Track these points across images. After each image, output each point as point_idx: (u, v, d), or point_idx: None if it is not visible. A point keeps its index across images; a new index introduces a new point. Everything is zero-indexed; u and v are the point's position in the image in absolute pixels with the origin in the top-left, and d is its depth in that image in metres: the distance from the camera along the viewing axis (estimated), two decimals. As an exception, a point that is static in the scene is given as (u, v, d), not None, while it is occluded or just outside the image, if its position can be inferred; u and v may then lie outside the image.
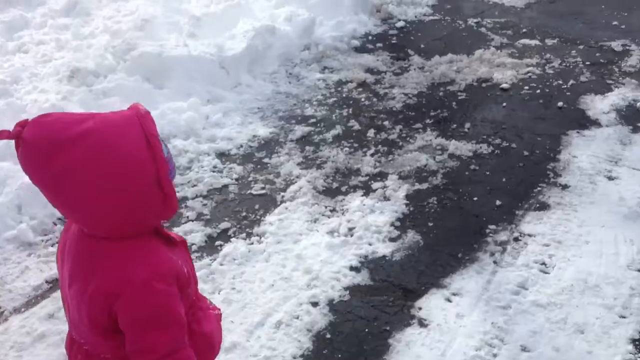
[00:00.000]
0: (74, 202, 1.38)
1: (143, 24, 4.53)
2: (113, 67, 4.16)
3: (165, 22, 4.68)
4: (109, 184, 1.35)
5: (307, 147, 3.75)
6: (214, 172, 3.49)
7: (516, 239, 3.01)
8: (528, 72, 4.61)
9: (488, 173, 3.55)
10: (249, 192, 3.35)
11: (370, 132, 3.95)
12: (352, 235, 3.00)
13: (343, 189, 3.39)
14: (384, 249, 2.93)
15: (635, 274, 2.77)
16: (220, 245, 2.93)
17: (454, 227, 3.10)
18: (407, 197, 3.32)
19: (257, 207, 3.22)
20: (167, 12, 4.81)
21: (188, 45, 4.41)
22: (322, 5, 5.18)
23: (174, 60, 4.22)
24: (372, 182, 3.46)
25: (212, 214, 3.16)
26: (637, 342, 2.45)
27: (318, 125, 4.01)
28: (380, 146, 3.82)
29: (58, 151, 1.32)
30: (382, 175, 3.53)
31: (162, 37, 4.49)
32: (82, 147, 1.33)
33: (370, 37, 5.28)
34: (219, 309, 1.76)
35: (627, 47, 4.90)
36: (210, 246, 2.94)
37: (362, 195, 3.31)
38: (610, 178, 3.44)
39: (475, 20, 5.57)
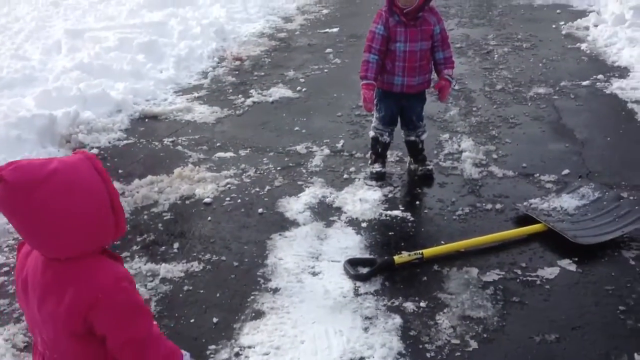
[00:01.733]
0: (47, 230, 1.70)
1: None
2: None
3: None
4: (76, 212, 1.71)
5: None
6: None
7: (237, 354, 3.01)
8: (227, 183, 4.80)
9: (202, 291, 3.55)
10: None
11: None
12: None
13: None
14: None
15: (349, 363, 2.94)
16: None
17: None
18: (121, 334, 3.14)
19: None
20: None
21: None
22: (3, 143, 4.85)
23: None
24: (81, 325, 3.21)
25: None
26: None
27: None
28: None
29: (35, 188, 1.66)
30: None
31: None
32: (53, 184, 1.68)
33: (63, 169, 5.04)
34: None
35: (310, 149, 5.39)
36: None
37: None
38: (314, 274, 3.66)
39: (170, 140, 5.69)
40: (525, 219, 4.16)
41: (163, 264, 3.78)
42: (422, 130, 4.82)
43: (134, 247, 3.99)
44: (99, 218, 1.76)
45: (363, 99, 4.47)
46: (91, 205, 1.74)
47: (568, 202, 4.25)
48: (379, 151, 4.87)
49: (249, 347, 3.06)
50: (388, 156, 5.00)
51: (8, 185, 1.64)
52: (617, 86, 6.68)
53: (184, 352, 2.00)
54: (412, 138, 4.82)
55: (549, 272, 3.62)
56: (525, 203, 4.31)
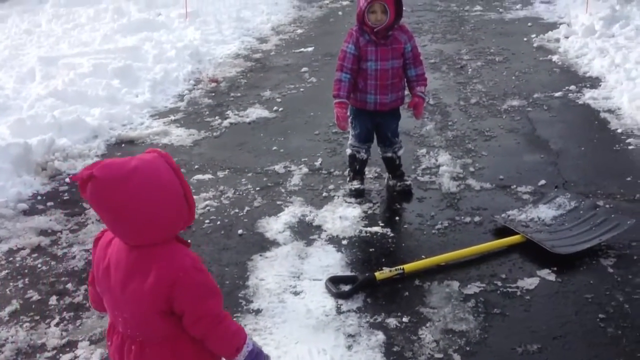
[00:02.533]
0: (131, 220, 1.92)
1: None
2: None
3: None
4: (156, 204, 1.93)
5: (-22, 334, 3.33)
6: None
7: (220, 378, 2.99)
8: (206, 205, 4.78)
9: (183, 315, 3.51)
10: None
11: (53, 300, 3.67)
12: None
13: (27, 371, 3.04)
14: None
15: (333, 382, 2.93)
16: None
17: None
18: (102, 362, 3.11)
19: None
20: None
21: None
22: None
23: None
24: (61, 355, 3.18)
25: None
26: None
27: (-11, 304, 3.60)
28: (65, 313, 3.56)
29: (120, 184, 1.88)
30: (71, 345, 3.27)
31: None
32: (136, 179, 1.89)
33: (39, 197, 5.00)
34: None
35: (289, 169, 5.40)
36: None
37: (51, 374, 3.02)
38: (296, 293, 3.65)
39: (147, 164, 5.65)
40: (503, 231, 4.19)
41: (143, 290, 3.74)
42: (399, 147, 4.85)
43: (113, 274, 3.94)
44: (175, 208, 1.98)
45: (336, 117, 4.50)
46: (169, 197, 1.96)
47: (545, 212, 4.30)
48: (356, 168, 4.89)
49: (232, 370, 3.03)
50: (366, 172, 5.02)
51: (98, 181, 1.87)
52: (589, 96, 6.79)
53: (247, 334, 2.18)
54: (389, 154, 4.85)
55: (529, 283, 3.64)
56: (503, 215, 4.34)
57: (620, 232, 4.00)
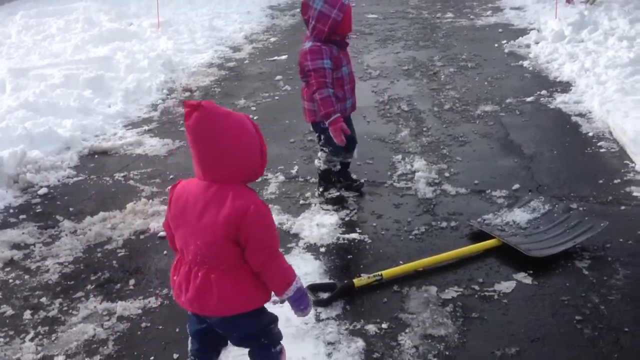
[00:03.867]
0: (221, 154, 2.31)
1: None
2: None
3: None
4: (242, 145, 2.34)
5: (-50, 351, 3.26)
6: None
7: (200, 389, 2.96)
8: (182, 216, 4.73)
9: (161, 327, 3.48)
10: None
11: (27, 314, 3.61)
12: None
13: (2, 388, 2.98)
14: None
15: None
16: None
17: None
18: (79, 377, 3.06)
19: None
20: None
21: None
22: (-53, 186, 4.71)
23: None
24: (36, 370, 3.12)
25: None
26: None
27: (-39, 321, 3.52)
28: (40, 327, 3.50)
29: (220, 118, 2.30)
30: (47, 360, 3.22)
31: None
32: (231, 120, 2.33)
33: (11, 211, 4.92)
34: None
35: (265, 177, 5.37)
36: None
37: (26, 390, 2.96)
38: (274, 302, 3.61)
39: (122, 175, 5.60)
40: (479, 235, 4.22)
41: (119, 302, 3.70)
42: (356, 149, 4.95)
43: (89, 286, 3.90)
44: (254, 155, 2.38)
45: (338, 133, 4.43)
46: (251, 144, 2.37)
47: (520, 216, 4.34)
48: (332, 180, 4.91)
49: (212, 381, 3.00)
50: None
51: (204, 111, 2.26)
52: (560, 100, 6.88)
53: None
54: (350, 159, 4.88)
55: (506, 286, 3.67)
56: (478, 219, 4.37)
57: (594, 234, 4.05)
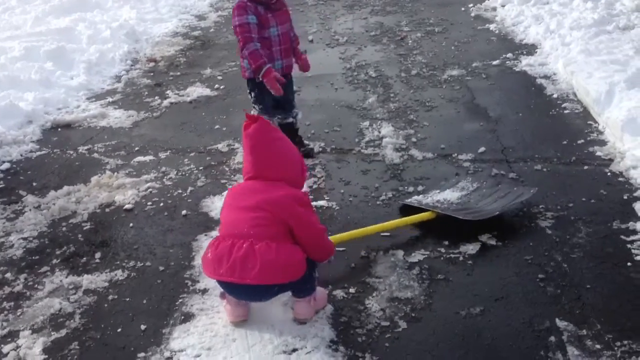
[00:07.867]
0: (273, 158, 3.02)
1: None
2: None
3: None
4: (290, 154, 3.10)
5: None
6: None
7: (168, 359, 2.97)
8: (148, 187, 4.70)
9: (128, 299, 3.46)
10: None
11: (-9, 290, 3.57)
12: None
13: (-33, 365, 2.95)
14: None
15: (282, 356, 2.94)
16: None
17: (103, 368, 2.93)
18: (45, 351, 3.05)
19: None
20: None
21: None
22: None
23: None
24: (2, 345, 3.10)
25: None
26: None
27: None
28: (5, 302, 3.47)
29: (272, 130, 3.05)
30: (12, 335, 3.19)
31: None
32: (280, 134, 3.13)
33: (-27, 187, 4.83)
34: None
35: (232, 147, 5.34)
36: None
37: (-8, 366, 2.93)
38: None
39: (86, 148, 5.52)
40: (412, 210, 4.13)
41: (85, 275, 3.67)
42: (297, 111, 4.96)
43: (54, 261, 3.86)
44: (297, 165, 3.11)
45: (273, 83, 4.48)
46: (295, 156, 3.14)
47: (450, 195, 4.26)
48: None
49: (180, 350, 3.01)
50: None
51: (262, 123, 2.99)
52: (525, 63, 6.91)
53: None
54: (289, 120, 4.90)
55: (471, 248, 3.71)
56: (409, 200, 4.32)
57: (525, 199, 4.08)
